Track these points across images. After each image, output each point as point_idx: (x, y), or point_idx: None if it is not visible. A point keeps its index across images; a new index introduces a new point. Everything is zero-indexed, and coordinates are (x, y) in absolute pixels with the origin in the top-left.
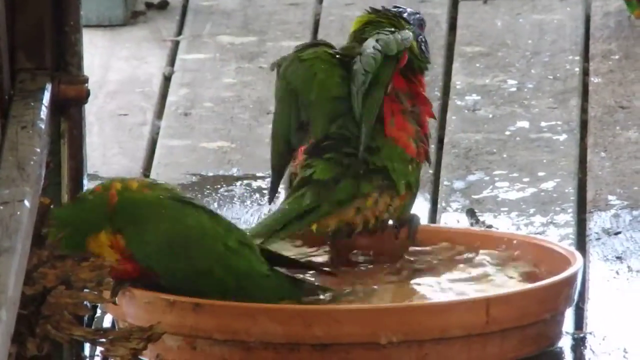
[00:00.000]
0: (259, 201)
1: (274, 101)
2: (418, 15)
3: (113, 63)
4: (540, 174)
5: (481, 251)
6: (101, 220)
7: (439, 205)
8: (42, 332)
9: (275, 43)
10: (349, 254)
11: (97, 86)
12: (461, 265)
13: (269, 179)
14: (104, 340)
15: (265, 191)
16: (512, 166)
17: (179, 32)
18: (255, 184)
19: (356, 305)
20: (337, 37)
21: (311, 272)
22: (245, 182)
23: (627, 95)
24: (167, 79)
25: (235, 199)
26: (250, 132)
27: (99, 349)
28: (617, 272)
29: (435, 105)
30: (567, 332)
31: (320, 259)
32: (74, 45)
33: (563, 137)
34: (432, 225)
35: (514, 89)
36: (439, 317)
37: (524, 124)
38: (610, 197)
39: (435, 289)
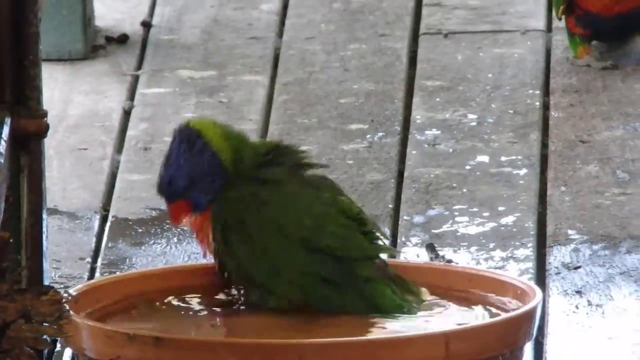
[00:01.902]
0: None
1: None
2: None
3: (73, 97)
4: (501, 208)
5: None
6: None
7: (398, 240)
8: None
9: (235, 77)
10: None
11: (57, 120)
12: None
13: None
14: None
15: None
16: (472, 201)
17: (139, 66)
18: None
19: (317, 340)
20: (297, 70)
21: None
22: None
23: (588, 129)
24: (127, 113)
25: None
26: None
27: None
28: (577, 307)
29: (395, 140)
30: None
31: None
32: (33, 80)
33: (523, 171)
34: (392, 260)
35: (474, 124)
36: (398, 351)
37: (484, 158)
38: (570, 232)
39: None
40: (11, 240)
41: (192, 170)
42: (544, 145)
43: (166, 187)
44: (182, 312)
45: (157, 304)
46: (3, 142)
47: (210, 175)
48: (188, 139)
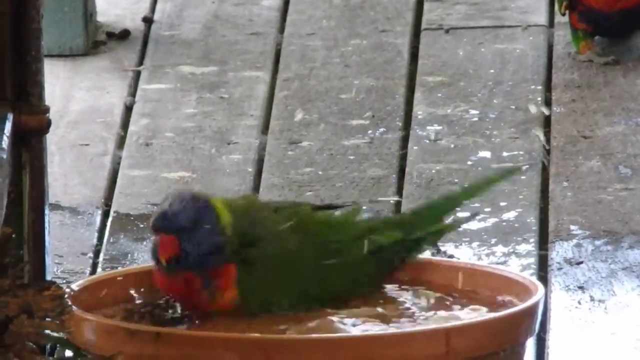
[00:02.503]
0: None
1: (235, 131)
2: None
3: (74, 93)
4: (502, 204)
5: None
6: None
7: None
8: None
9: (236, 73)
10: None
11: (58, 116)
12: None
13: None
14: None
15: None
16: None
17: (140, 62)
18: None
19: (316, 335)
20: (298, 66)
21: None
22: None
23: (590, 124)
24: (128, 109)
25: None
26: (211, 162)
27: None
28: (579, 302)
29: (397, 135)
30: None
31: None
32: (35, 75)
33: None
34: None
35: (475, 119)
36: (398, 347)
37: (486, 154)
38: (572, 227)
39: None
40: (13, 236)
41: (197, 218)
42: (546, 140)
43: (170, 217)
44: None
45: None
46: (5, 138)
47: (211, 237)
48: (198, 202)
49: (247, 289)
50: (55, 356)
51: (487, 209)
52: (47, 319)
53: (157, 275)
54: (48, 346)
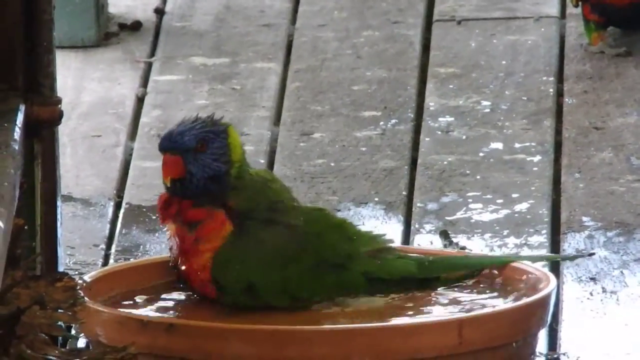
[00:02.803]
0: None
1: (246, 122)
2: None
3: (86, 84)
4: (514, 195)
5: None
6: None
7: (412, 227)
8: (17, 352)
9: (247, 64)
10: None
11: (70, 107)
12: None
13: None
14: None
15: None
16: (486, 188)
17: (152, 53)
18: None
19: (329, 326)
20: (310, 57)
21: None
22: None
23: (602, 116)
24: (140, 100)
25: None
26: None
27: None
28: (591, 293)
29: (409, 127)
30: (540, 353)
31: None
32: (46, 67)
33: (537, 158)
34: (406, 246)
35: (487, 110)
36: (411, 338)
37: (498, 145)
38: (584, 218)
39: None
40: (25, 227)
41: (205, 139)
42: (558, 132)
43: (175, 137)
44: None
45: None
46: (17, 129)
47: (216, 162)
48: (214, 125)
49: (227, 258)
50: (67, 347)
51: (499, 200)
52: (59, 310)
53: (160, 197)
54: (60, 337)
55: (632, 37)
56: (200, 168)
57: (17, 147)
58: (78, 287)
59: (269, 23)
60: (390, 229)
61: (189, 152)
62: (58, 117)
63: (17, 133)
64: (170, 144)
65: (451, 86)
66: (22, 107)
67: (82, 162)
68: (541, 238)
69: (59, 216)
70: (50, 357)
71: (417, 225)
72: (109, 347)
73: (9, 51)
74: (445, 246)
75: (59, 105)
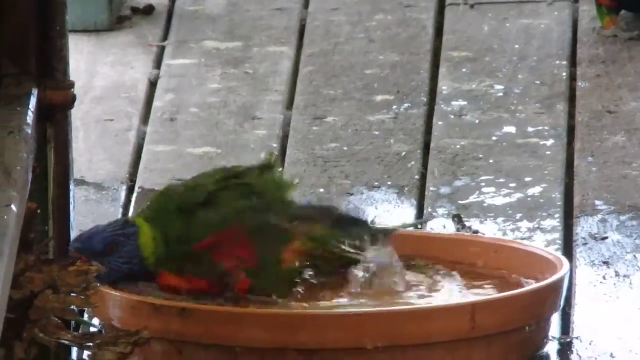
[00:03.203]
0: None
1: (259, 107)
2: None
3: (99, 68)
4: (527, 179)
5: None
6: None
7: (425, 211)
8: (30, 337)
9: (260, 49)
10: None
11: (82, 92)
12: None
13: None
14: (91, 344)
15: None
16: (499, 172)
17: (165, 37)
18: None
19: (342, 311)
20: (322, 42)
21: None
22: None
23: (615, 100)
24: (153, 85)
25: None
26: (236, 138)
27: (86, 353)
28: (604, 277)
29: (422, 111)
30: (553, 338)
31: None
32: (60, 51)
33: (550, 142)
34: (419, 231)
35: (500, 95)
36: (424, 323)
37: (511, 129)
38: (597, 202)
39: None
40: (38, 212)
41: (114, 242)
42: (571, 116)
43: (84, 240)
44: None
45: None
46: (30, 114)
47: (126, 265)
48: (120, 222)
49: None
50: (80, 331)
51: (512, 185)
52: (72, 294)
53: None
54: (73, 322)
55: None
56: (113, 270)
57: (30, 132)
58: (91, 272)
59: (282, 7)
60: (403, 213)
61: (98, 257)
62: (71, 101)
63: (30, 117)
64: (79, 247)
65: (464, 70)
66: (35, 92)
67: (95, 147)
68: (554, 222)
69: (71, 200)
70: (64, 341)
71: (430, 210)
72: (122, 331)
73: (23, 35)
74: (458, 230)
75: (72, 90)
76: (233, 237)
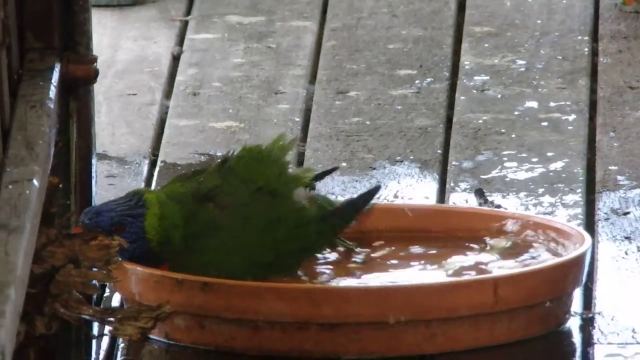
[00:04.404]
0: None
1: (282, 81)
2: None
3: (122, 43)
4: (549, 154)
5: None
6: None
7: (447, 185)
8: (51, 311)
9: (283, 23)
10: None
11: (105, 66)
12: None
13: None
14: (112, 319)
15: None
16: (521, 146)
17: (188, 12)
18: None
19: (364, 285)
20: (346, 16)
21: None
22: None
23: (636, 75)
24: (175, 59)
25: None
26: (258, 112)
27: (107, 327)
28: (626, 252)
29: (444, 85)
30: (575, 313)
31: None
32: (82, 25)
33: (572, 117)
34: (442, 205)
35: (522, 69)
36: (447, 297)
37: (533, 104)
38: (619, 177)
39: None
40: (60, 186)
41: (121, 223)
42: (593, 91)
43: (92, 215)
44: None
45: None
46: (52, 88)
47: (131, 244)
48: (133, 200)
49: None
50: (101, 305)
51: (534, 159)
52: (93, 268)
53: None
54: (94, 296)
55: None
56: (120, 249)
57: (52, 106)
58: (112, 247)
59: None
60: (425, 188)
61: (106, 233)
62: (94, 75)
63: (53, 91)
64: (87, 221)
65: (486, 45)
66: (58, 66)
67: (118, 121)
68: (576, 197)
69: (94, 174)
70: (85, 316)
71: (452, 184)
72: (144, 305)
73: (46, 10)
74: (480, 204)
75: (95, 64)
76: None
